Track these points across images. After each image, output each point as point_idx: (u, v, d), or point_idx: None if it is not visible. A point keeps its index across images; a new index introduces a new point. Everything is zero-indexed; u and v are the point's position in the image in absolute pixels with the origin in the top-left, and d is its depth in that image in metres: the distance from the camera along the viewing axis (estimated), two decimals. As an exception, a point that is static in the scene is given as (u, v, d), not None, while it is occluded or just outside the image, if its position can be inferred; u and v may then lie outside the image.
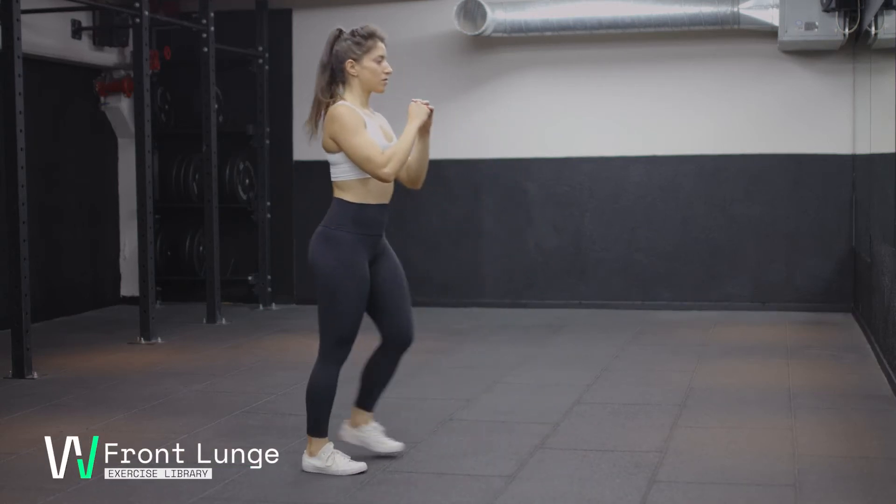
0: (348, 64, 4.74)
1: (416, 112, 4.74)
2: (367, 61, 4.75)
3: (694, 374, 6.99)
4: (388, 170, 4.62)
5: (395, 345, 4.91)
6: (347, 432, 5.04)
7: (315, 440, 4.81)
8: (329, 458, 4.80)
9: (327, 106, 4.74)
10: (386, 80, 4.81)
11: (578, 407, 6.11)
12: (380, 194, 4.75)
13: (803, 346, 8.06)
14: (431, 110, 4.77)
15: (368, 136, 4.64)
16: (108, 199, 10.86)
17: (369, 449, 5.02)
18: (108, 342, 8.61)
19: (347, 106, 4.69)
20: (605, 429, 5.60)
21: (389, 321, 4.87)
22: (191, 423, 5.81)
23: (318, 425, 4.80)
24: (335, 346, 4.72)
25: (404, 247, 10.46)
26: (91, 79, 10.51)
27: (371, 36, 4.76)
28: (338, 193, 4.74)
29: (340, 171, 4.72)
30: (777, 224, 9.97)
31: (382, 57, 4.78)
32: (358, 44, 4.74)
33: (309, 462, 4.83)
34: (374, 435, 5.03)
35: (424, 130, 4.79)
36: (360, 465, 4.82)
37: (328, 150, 4.72)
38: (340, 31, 4.80)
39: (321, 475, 4.78)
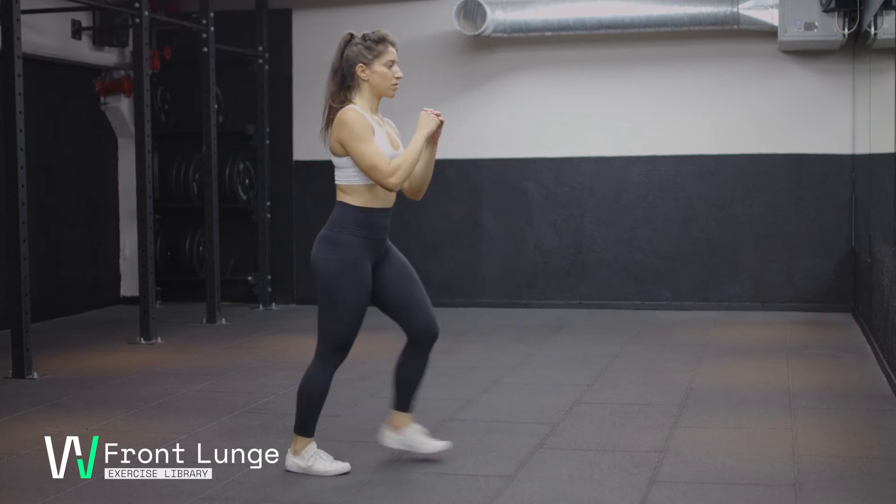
0: (359, 68, 4.72)
1: (426, 122, 4.73)
2: (378, 66, 4.73)
3: (694, 374, 6.99)
4: (393, 180, 4.60)
5: (423, 340, 4.86)
6: (389, 437, 4.97)
7: (301, 439, 4.80)
8: (311, 458, 4.78)
9: (336, 109, 4.72)
10: (396, 85, 4.79)
11: (578, 407, 6.11)
12: (384, 199, 4.74)
13: (803, 346, 8.06)
14: (441, 121, 4.74)
15: (376, 144, 4.62)
16: (108, 199, 10.86)
17: (414, 451, 4.96)
18: (108, 342, 8.61)
19: (356, 111, 4.67)
20: (605, 429, 5.60)
21: (412, 317, 4.84)
22: (191, 423, 5.81)
23: (306, 425, 4.78)
24: (332, 350, 4.71)
25: (404, 247, 10.40)
26: (91, 79, 10.52)
27: (382, 40, 4.73)
28: (341, 197, 4.74)
29: (346, 175, 4.71)
30: (777, 224, 9.97)
31: (393, 62, 4.75)
32: (369, 48, 4.71)
33: (292, 461, 4.82)
34: (417, 436, 4.96)
35: (432, 140, 4.77)
36: (344, 466, 4.80)
37: (335, 154, 4.71)
38: (352, 36, 4.77)
39: (320, 475, 4.78)
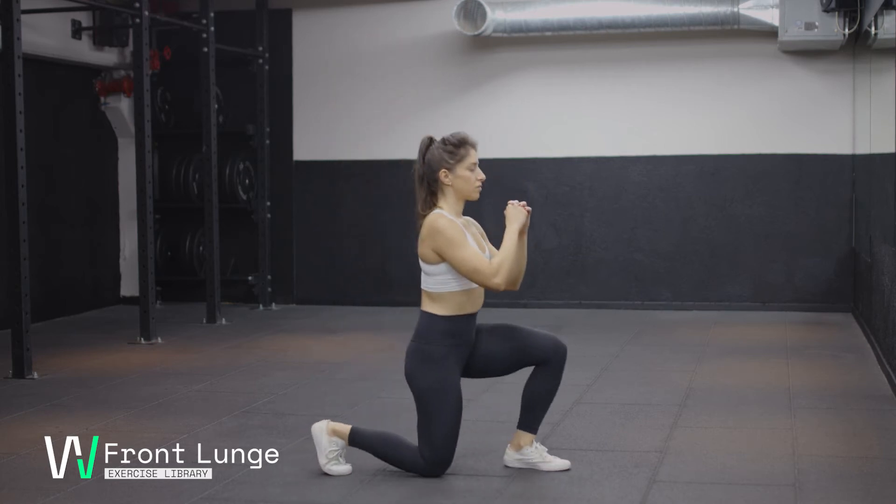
0: (442, 174, 4.67)
1: (515, 215, 4.69)
2: (461, 170, 4.68)
3: (694, 374, 6.99)
4: (498, 279, 4.57)
5: (555, 360, 4.75)
6: (510, 456, 4.86)
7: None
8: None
9: (423, 215, 4.69)
10: (479, 187, 4.74)
11: (578, 407, 6.11)
12: (475, 303, 4.73)
13: (803, 346, 8.06)
14: (529, 212, 4.72)
15: (472, 248, 4.60)
16: (108, 199, 10.86)
17: (537, 469, 4.84)
18: (108, 342, 8.61)
19: (447, 217, 4.64)
20: (605, 429, 5.60)
21: (534, 350, 4.75)
22: (191, 423, 5.81)
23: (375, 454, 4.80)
24: (436, 463, 4.68)
25: (404, 246, 10.48)
26: (91, 79, 10.52)
27: (462, 144, 4.68)
28: (428, 306, 4.69)
29: (439, 283, 4.66)
30: (777, 224, 9.97)
31: (475, 164, 4.71)
32: (450, 153, 4.67)
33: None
34: (539, 455, 4.84)
35: (522, 231, 4.72)
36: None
37: (426, 261, 4.66)
38: (431, 140, 4.73)
39: (321, 475, 4.77)
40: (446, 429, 4.63)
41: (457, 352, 4.68)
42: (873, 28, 8.02)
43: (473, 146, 4.71)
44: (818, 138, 9.86)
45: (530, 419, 4.82)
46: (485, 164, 10.38)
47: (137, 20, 8.67)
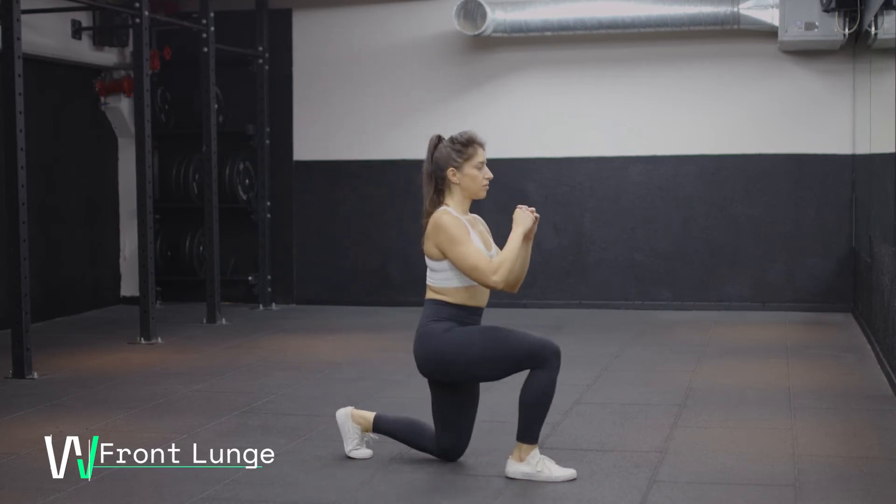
0: (450, 172, 4.73)
1: (522, 219, 4.72)
2: (469, 168, 4.75)
3: (694, 374, 6.99)
4: (496, 278, 4.59)
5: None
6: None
7: (525, 446, 4.69)
8: (539, 463, 4.66)
9: (430, 213, 4.72)
10: (486, 186, 4.80)
11: (578, 407, 6.11)
12: (480, 299, 4.76)
13: (803, 346, 8.06)
14: (537, 218, 4.75)
15: (474, 245, 4.63)
16: (108, 199, 10.87)
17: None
18: (108, 342, 8.61)
19: (451, 214, 4.68)
20: (605, 429, 5.60)
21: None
22: (190, 423, 5.81)
23: (535, 432, 4.68)
24: (547, 352, 4.59)
25: (405, 246, 10.48)
26: (91, 79, 10.52)
27: (471, 142, 4.75)
28: (433, 296, 4.73)
29: (443, 279, 4.70)
30: (777, 224, 9.97)
31: (483, 163, 4.77)
32: (458, 151, 4.73)
33: (517, 468, 4.69)
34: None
35: (528, 236, 4.75)
36: (571, 472, 4.68)
37: (431, 257, 4.71)
38: (440, 138, 4.78)
39: (321, 475, 4.78)
40: (508, 334, 4.61)
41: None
42: (873, 28, 8.02)
43: (482, 145, 4.78)
44: (818, 138, 9.86)
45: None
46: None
47: (137, 20, 8.67)
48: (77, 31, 9.98)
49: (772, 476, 4.72)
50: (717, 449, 5.17)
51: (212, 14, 9.75)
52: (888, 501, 4.38)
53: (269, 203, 10.70)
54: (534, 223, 4.73)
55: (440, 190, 4.76)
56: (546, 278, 10.37)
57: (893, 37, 7.01)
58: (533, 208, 4.78)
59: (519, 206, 4.78)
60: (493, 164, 10.27)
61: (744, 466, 4.86)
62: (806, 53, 9.76)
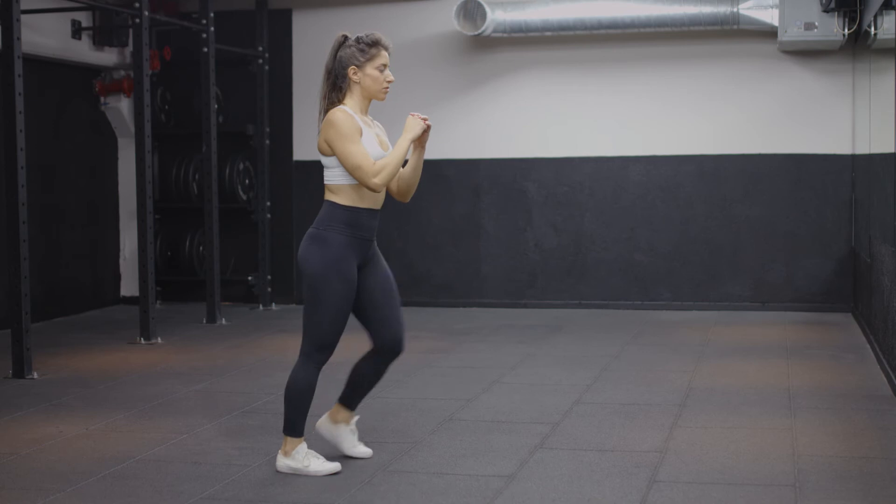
0: (351, 70, 4.75)
1: (412, 126, 4.75)
2: (370, 69, 4.75)
3: (694, 374, 6.99)
4: (377, 180, 4.63)
5: (385, 352, 4.91)
6: (324, 426, 5.04)
7: (290, 440, 4.80)
8: (304, 458, 4.79)
9: (327, 109, 4.76)
10: (387, 89, 4.81)
11: (578, 407, 6.11)
12: (372, 200, 4.78)
13: (803, 346, 8.07)
14: (428, 126, 4.77)
15: (361, 145, 4.66)
16: (108, 199, 10.87)
17: (339, 448, 5.02)
18: (108, 342, 8.61)
19: (345, 111, 4.70)
20: (605, 429, 5.60)
21: (380, 329, 4.86)
22: (191, 423, 5.81)
23: (295, 425, 4.79)
24: (317, 348, 4.74)
25: (404, 246, 10.49)
26: (91, 79, 10.52)
27: (375, 44, 4.75)
28: (329, 196, 4.77)
29: (333, 175, 4.75)
30: (777, 224, 9.98)
31: (385, 66, 4.78)
32: (362, 51, 4.74)
33: (283, 462, 4.82)
34: (349, 436, 5.03)
35: (420, 144, 4.79)
36: (335, 466, 4.81)
37: (322, 153, 4.75)
38: (346, 37, 4.80)
39: (321, 475, 4.78)
40: (333, 311, 4.67)
41: (355, 244, 4.74)
42: (873, 28, 8.02)
43: (386, 48, 4.78)
44: (818, 138, 9.86)
45: (351, 398, 5.00)
46: (485, 164, 10.50)
47: (137, 20, 8.67)
48: (77, 31, 9.98)
49: (772, 476, 4.72)
50: (717, 449, 5.17)
51: (212, 14, 9.75)
52: (888, 501, 4.38)
53: (269, 203, 10.70)
54: (424, 131, 4.74)
55: (339, 87, 4.77)
56: (546, 278, 10.38)
57: (893, 37, 7.01)
58: (427, 117, 4.79)
59: (411, 113, 4.79)
60: (493, 163, 10.40)
61: (744, 466, 4.87)
62: (806, 53, 9.77)
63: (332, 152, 4.70)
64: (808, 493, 4.47)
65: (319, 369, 4.79)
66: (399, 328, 4.89)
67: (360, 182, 4.66)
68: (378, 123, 4.96)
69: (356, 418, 5.07)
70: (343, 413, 5.03)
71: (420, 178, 4.92)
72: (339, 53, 4.77)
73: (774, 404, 6.10)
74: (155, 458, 5.08)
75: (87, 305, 10.50)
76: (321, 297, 4.67)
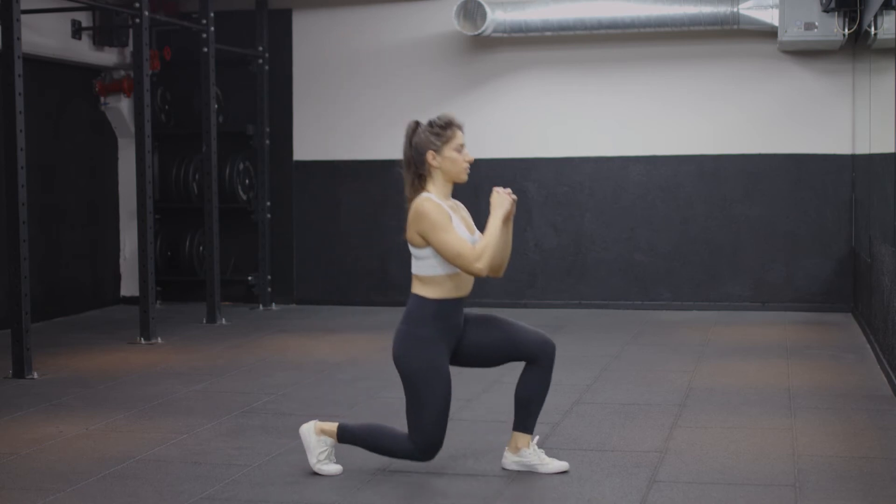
0: (429, 155, 4.66)
1: (500, 202, 4.69)
2: (448, 151, 4.66)
3: (694, 374, 6.99)
4: (480, 265, 4.56)
5: (543, 358, 4.73)
6: (509, 459, 4.84)
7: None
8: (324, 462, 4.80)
9: (411, 198, 4.69)
10: (468, 168, 4.72)
11: (578, 407, 6.11)
12: (464, 288, 4.71)
13: (803, 346, 8.07)
14: (515, 200, 4.72)
15: (456, 232, 4.59)
16: (108, 199, 10.87)
17: (535, 471, 4.80)
18: (108, 342, 8.61)
19: (433, 201, 4.62)
20: (605, 429, 5.60)
21: (522, 347, 4.74)
22: (191, 423, 5.81)
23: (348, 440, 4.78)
24: (426, 448, 4.64)
25: (404, 247, 10.46)
26: (91, 79, 10.52)
27: (449, 125, 4.67)
28: (418, 289, 4.70)
29: (427, 266, 4.67)
30: (777, 224, 9.97)
31: (462, 145, 4.70)
32: (437, 134, 4.65)
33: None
34: (536, 456, 4.82)
35: (507, 219, 4.72)
36: (336, 468, 4.78)
37: (414, 245, 4.67)
38: (418, 123, 4.71)
39: (321, 475, 4.77)
40: (436, 412, 4.60)
41: (446, 336, 4.68)
42: (873, 28, 8.02)
43: (460, 127, 4.71)
44: (818, 138, 9.86)
45: (525, 419, 4.80)
46: (485, 164, 10.48)
47: (137, 20, 8.67)
48: (77, 31, 9.98)
49: (772, 476, 4.72)
50: (717, 449, 5.17)
51: (212, 14, 9.75)
52: (888, 501, 4.38)
53: (269, 203, 10.70)
54: (511, 205, 4.70)
55: (421, 175, 4.69)
56: (546, 278, 10.38)
57: (893, 37, 7.01)
58: (509, 189, 4.75)
59: (495, 188, 4.74)
60: (493, 163, 10.38)
61: (744, 466, 4.86)
62: (806, 53, 9.77)
63: (425, 244, 4.62)
64: (808, 493, 4.47)
65: (423, 461, 4.73)
66: (533, 332, 4.78)
67: (462, 269, 4.59)
68: (461, 205, 4.87)
69: (536, 438, 4.89)
70: (522, 439, 4.82)
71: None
72: (413, 140, 4.68)
73: (774, 404, 6.10)
74: (155, 458, 5.08)
75: (87, 305, 10.50)
76: (423, 401, 4.60)
